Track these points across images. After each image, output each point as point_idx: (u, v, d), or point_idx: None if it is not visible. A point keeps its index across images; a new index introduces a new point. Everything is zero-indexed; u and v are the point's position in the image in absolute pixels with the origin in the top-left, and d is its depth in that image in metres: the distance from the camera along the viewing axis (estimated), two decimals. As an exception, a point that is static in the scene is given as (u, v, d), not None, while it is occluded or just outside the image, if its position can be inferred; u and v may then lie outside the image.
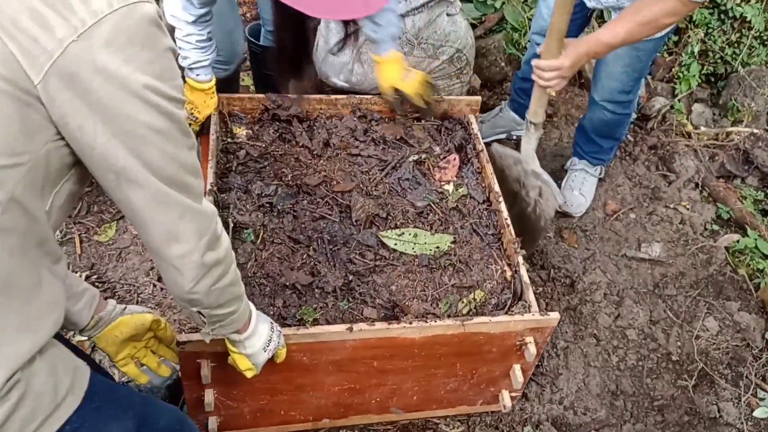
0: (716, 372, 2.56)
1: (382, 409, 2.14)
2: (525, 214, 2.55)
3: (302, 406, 2.02)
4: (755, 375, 2.56)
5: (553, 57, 2.31)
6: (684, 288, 2.82)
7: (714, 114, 3.72)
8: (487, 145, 2.59)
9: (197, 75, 2.30)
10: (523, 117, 3.16)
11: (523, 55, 3.54)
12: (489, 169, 2.37)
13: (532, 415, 2.39)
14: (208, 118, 2.35)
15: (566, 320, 2.64)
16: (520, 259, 2.11)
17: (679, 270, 2.88)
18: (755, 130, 3.59)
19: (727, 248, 2.98)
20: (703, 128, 3.61)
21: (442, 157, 2.44)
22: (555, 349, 2.56)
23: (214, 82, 2.35)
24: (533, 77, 2.39)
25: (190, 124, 2.17)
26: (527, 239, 2.63)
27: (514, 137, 3.28)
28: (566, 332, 2.61)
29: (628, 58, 2.60)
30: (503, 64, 3.53)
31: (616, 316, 2.69)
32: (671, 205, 3.14)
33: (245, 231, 2.06)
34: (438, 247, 2.14)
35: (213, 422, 1.94)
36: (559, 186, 3.03)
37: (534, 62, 2.36)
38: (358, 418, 2.15)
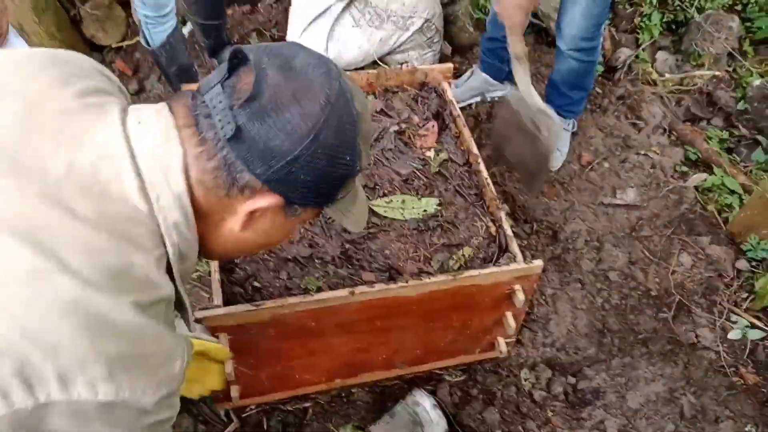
0: (692, 302, 2.79)
1: (389, 365, 2.34)
2: (540, 153, 2.69)
3: (315, 368, 2.22)
4: (727, 301, 2.79)
5: None
6: (658, 228, 3.04)
7: (677, 60, 3.92)
8: (464, 109, 2.77)
9: None
10: (494, 77, 3.35)
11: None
12: (466, 132, 2.55)
13: (527, 359, 2.61)
14: None
15: (552, 269, 2.85)
16: (503, 215, 2.30)
17: (652, 212, 3.10)
18: (716, 73, 3.80)
19: (696, 187, 3.20)
20: (667, 75, 3.80)
21: (421, 125, 2.61)
22: (543, 297, 2.77)
23: None
24: (498, 19, 2.57)
25: None
26: (539, 177, 2.83)
27: (489, 99, 3.46)
28: (553, 280, 2.82)
29: (585, 3, 2.74)
30: (471, 29, 3.70)
31: (598, 260, 2.90)
32: (642, 152, 3.35)
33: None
34: (425, 211, 2.33)
35: (235, 391, 2.12)
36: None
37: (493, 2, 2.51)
38: (367, 376, 2.36)
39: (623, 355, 2.65)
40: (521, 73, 2.67)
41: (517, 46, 2.63)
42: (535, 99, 2.70)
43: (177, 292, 1.12)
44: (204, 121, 1.06)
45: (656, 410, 2.50)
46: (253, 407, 2.38)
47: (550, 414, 2.48)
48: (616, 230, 3.02)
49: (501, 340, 2.40)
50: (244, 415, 2.37)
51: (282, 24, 3.58)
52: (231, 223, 1.15)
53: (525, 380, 2.55)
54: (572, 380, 2.58)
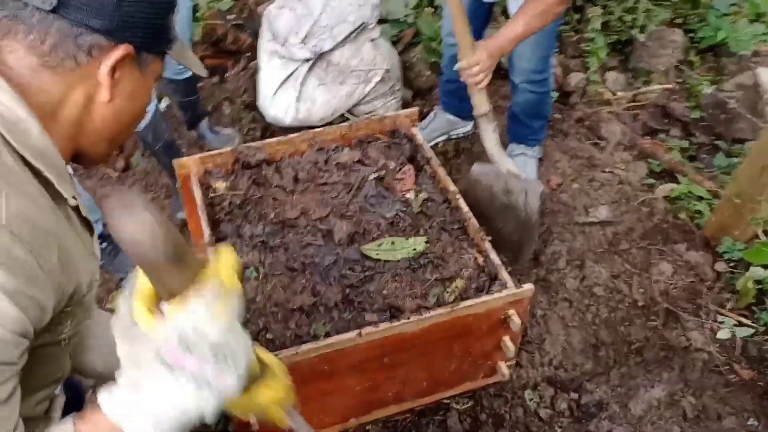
0: (678, 308, 2.93)
1: (399, 399, 2.46)
2: (520, 220, 2.86)
3: (330, 410, 2.33)
4: (712, 303, 2.94)
5: (472, 54, 2.65)
6: (635, 241, 3.20)
7: (627, 78, 4.14)
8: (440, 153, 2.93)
9: None
10: (456, 115, 3.53)
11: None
12: (441, 172, 2.71)
13: (529, 380, 2.73)
14: None
15: (539, 291, 2.98)
16: (488, 245, 2.45)
17: (627, 226, 3.26)
18: (667, 85, 4.03)
19: (665, 197, 3.38)
20: (620, 93, 4.02)
21: (397, 170, 2.77)
22: (535, 318, 2.90)
23: None
24: (462, 79, 2.74)
25: None
26: (527, 243, 2.97)
27: (453, 136, 3.64)
28: (541, 301, 2.96)
29: (533, 38, 2.82)
30: (428, 72, 3.89)
31: (582, 278, 3.05)
32: (607, 169, 3.53)
33: (247, 270, 2.36)
34: (415, 249, 2.46)
35: (254, 440, 2.22)
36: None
37: (457, 67, 2.71)
38: (380, 412, 2.47)
39: (620, 366, 2.78)
40: (489, 131, 2.83)
41: (481, 105, 2.79)
42: (504, 160, 2.86)
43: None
44: (22, 12, 1.07)
45: (660, 415, 2.62)
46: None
47: (558, 430, 2.60)
48: (594, 247, 3.17)
49: (502, 364, 2.53)
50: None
51: (250, 90, 3.75)
52: (100, 96, 1.16)
53: (530, 400, 2.66)
54: (575, 395, 2.69)
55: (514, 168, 2.86)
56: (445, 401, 2.63)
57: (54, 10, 1.06)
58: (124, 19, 1.11)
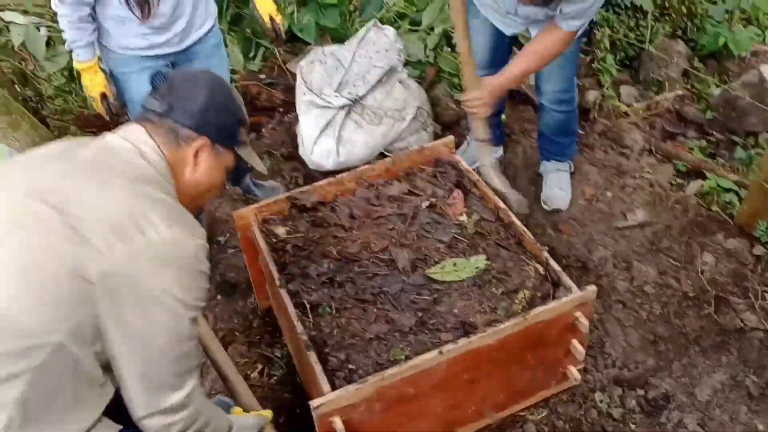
0: (727, 293, 2.89)
1: (479, 415, 2.40)
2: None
3: (417, 433, 2.28)
4: (758, 284, 2.91)
5: (475, 88, 2.78)
6: (675, 237, 3.16)
7: (639, 90, 4.13)
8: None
9: (77, 55, 2.61)
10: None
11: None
12: (489, 192, 2.69)
13: (595, 383, 2.67)
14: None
15: (592, 296, 2.95)
16: (546, 254, 2.42)
17: (664, 224, 3.23)
18: (678, 92, 4.02)
19: (696, 194, 3.35)
20: (635, 104, 4.00)
21: (446, 196, 2.75)
22: (592, 324, 2.84)
23: (95, 61, 2.65)
24: (463, 108, 2.86)
25: (93, 101, 2.71)
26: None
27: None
28: (596, 306, 2.91)
29: (558, 62, 2.89)
30: (454, 106, 3.89)
31: (631, 278, 3.01)
32: (636, 175, 3.50)
33: (320, 307, 2.33)
34: (477, 267, 2.43)
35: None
36: (541, 189, 3.38)
37: (460, 98, 2.86)
38: (462, 430, 2.41)
39: (680, 358, 2.72)
40: (484, 154, 2.99)
41: (479, 132, 2.94)
42: (495, 182, 2.98)
43: None
44: (151, 115, 1.69)
45: (725, 397, 2.57)
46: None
47: (633, 427, 2.53)
48: (638, 248, 3.13)
49: (572, 369, 2.47)
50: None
51: (288, 142, 3.76)
52: (189, 170, 1.71)
53: (601, 402, 2.60)
54: (641, 392, 2.63)
55: (500, 184, 3.00)
56: (520, 413, 2.57)
57: (164, 114, 1.68)
58: (204, 122, 1.70)
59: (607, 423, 2.54)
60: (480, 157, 2.96)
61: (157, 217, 1.48)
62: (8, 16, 3.18)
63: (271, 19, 2.90)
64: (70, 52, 2.64)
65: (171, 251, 1.47)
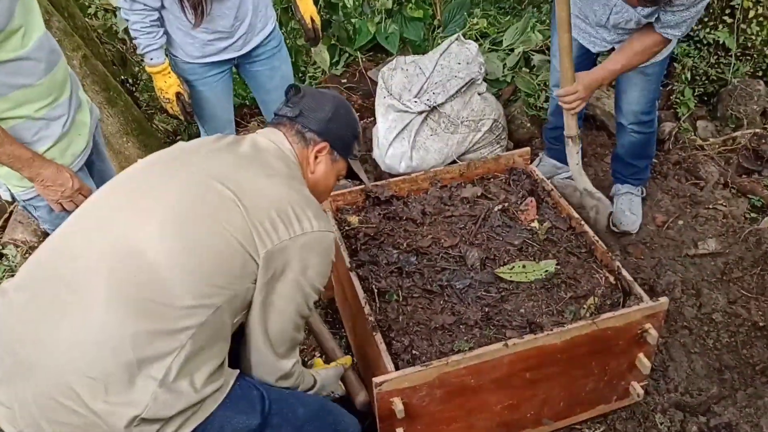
0: (799, 326, 2.75)
1: (536, 422, 2.30)
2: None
3: (473, 430, 2.19)
4: (830, 318, 2.76)
5: (570, 83, 2.72)
6: (747, 268, 3.03)
7: (716, 126, 4.01)
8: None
9: (150, 59, 2.66)
10: (560, 160, 3.45)
11: (542, 113, 3.88)
12: (563, 202, 2.62)
13: (656, 405, 2.55)
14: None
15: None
16: (618, 263, 2.33)
17: (736, 256, 3.10)
18: (756, 130, 3.88)
19: (770, 228, 3.22)
20: (711, 139, 3.89)
21: (519, 202, 2.69)
22: (657, 347, 2.73)
23: (167, 63, 2.69)
24: (559, 103, 2.80)
25: (167, 103, 2.75)
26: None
27: (557, 180, 3.55)
28: (662, 330, 2.79)
29: (641, 83, 2.90)
30: (528, 124, 3.84)
31: (699, 306, 2.88)
32: (710, 206, 3.38)
33: (387, 294, 2.29)
34: (547, 271, 2.36)
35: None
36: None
37: (557, 92, 2.79)
38: (518, 435, 2.32)
39: (746, 388, 2.59)
40: (574, 152, 2.90)
41: (572, 128, 2.85)
42: (583, 178, 2.93)
43: None
44: (283, 120, 1.90)
45: (792, 431, 2.43)
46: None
47: (692, 452, 2.41)
48: (707, 277, 3.01)
49: (636, 385, 2.37)
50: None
51: (362, 144, 3.74)
52: (310, 168, 1.88)
53: (661, 424, 2.48)
54: (703, 419, 2.51)
55: (590, 186, 2.95)
56: (577, 426, 2.46)
57: (295, 118, 1.88)
58: (327, 129, 1.89)
59: (667, 445, 2.42)
60: (569, 151, 2.91)
61: (309, 210, 1.67)
62: (116, 1, 3.25)
63: (312, 20, 2.97)
64: (142, 59, 2.75)
65: (317, 240, 1.67)
